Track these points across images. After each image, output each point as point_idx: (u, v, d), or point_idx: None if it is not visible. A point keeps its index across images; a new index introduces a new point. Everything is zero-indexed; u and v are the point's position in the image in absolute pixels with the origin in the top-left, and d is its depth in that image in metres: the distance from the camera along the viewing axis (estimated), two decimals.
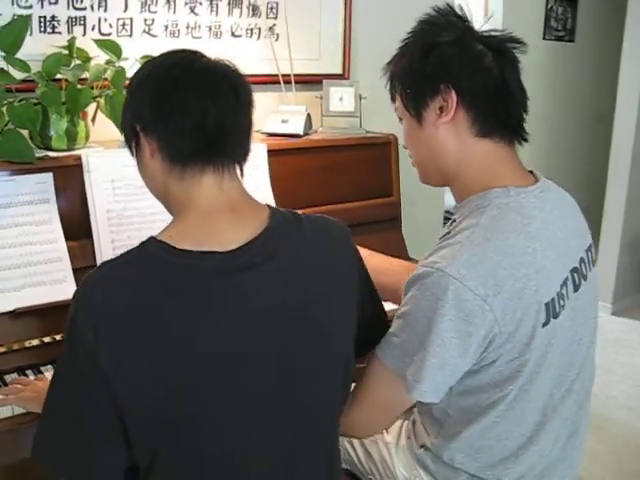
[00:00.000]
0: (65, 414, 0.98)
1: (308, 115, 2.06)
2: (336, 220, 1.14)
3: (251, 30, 2.07)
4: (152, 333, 0.93)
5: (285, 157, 1.90)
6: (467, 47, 1.13)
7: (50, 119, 1.57)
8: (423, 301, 1.06)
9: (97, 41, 1.66)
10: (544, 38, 4.29)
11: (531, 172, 1.22)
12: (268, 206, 1.08)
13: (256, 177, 1.80)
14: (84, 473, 1.00)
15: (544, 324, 1.10)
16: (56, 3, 1.72)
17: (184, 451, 0.96)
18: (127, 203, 1.60)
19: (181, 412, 0.95)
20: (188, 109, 1.00)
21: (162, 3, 1.89)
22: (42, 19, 1.71)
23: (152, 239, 1.00)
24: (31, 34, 1.71)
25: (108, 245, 1.57)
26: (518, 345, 1.08)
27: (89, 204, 1.56)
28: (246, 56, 2.03)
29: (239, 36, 2.04)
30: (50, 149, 1.60)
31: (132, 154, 1.09)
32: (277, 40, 2.13)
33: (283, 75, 2.13)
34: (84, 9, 1.76)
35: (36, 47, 1.68)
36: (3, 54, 1.53)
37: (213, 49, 1.88)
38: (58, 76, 1.58)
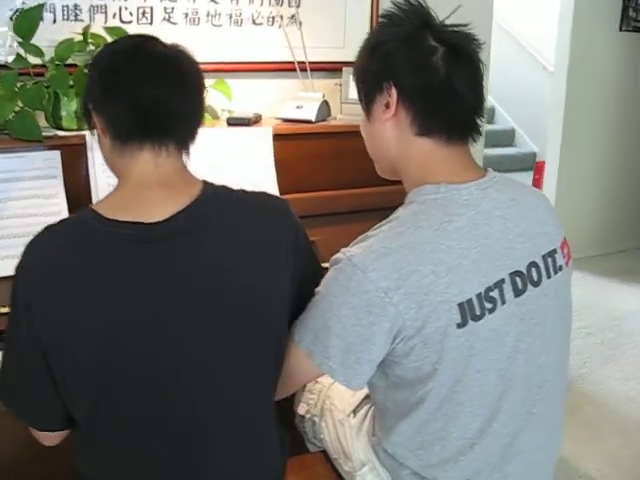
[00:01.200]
0: (14, 365, 1.09)
1: (325, 102, 2.09)
2: (275, 196, 1.18)
3: (272, 18, 2.13)
4: (76, 296, 1.01)
5: (295, 142, 1.94)
6: (415, 44, 1.12)
7: (61, 101, 1.69)
8: (331, 285, 1.10)
9: (106, 28, 1.76)
10: (621, 29, 4.09)
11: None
12: (204, 182, 1.12)
13: (260, 159, 1.86)
14: (33, 417, 1.13)
15: (459, 325, 1.07)
16: None
17: (119, 400, 1.04)
18: None
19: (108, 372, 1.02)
20: (125, 91, 1.07)
21: None
22: (65, 7, 1.84)
23: (88, 208, 1.07)
24: (55, 22, 1.84)
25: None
26: (430, 342, 1.07)
27: (91, 180, 1.67)
28: (267, 44, 2.08)
29: (260, 24, 2.09)
30: (62, 129, 1.72)
31: (90, 131, 1.17)
32: (300, 28, 2.17)
33: (304, 62, 2.18)
34: None
35: (59, 34, 1.80)
36: (20, 40, 1.66)
37: (233, 37, 1.98)
38: (70, 61, 1.70)
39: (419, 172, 1.16)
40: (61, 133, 1.70)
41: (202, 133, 1.78)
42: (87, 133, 1.68)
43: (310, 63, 2.17)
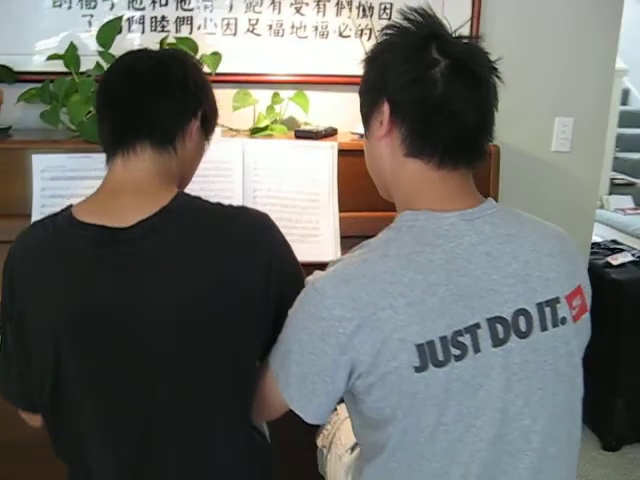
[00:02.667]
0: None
1: None
2: (253, 214, 1.13)
3: (361, 31, 2.07)
4: (40, 284, 1.07)
5: (361, 158, 1.87)
6: (415, 56, 1.01)
7: None
8: (295, 308, 1.03)
9: (177, 38, 1.82)
10: None
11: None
12: (178, 191, 1.11)
13: (321, 173, 1.81)
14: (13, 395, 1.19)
15: (418, 368, 0.95)
16: (166, 5, 1.93)
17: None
18: None
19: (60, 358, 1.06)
20: (106, 104, 1.15)
21: (267, 4, 1.99)
22: (153, 19, 1.93)
23: (69, 207, 1.11)
24: (143, 32, 1.94)
25: None
26: (388, 383, 0.96)
27: None
28: (353, 57, 2.03)
29: (347, 37, 2.05)
30: None
31: None
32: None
33: None
34: (191, 10, 1.94)
35: (145, 44, 1.89)
36: (101, 49, 1.77)
37: (318, 49, 1.96)
38: None
39: (407, 196, 1.07)
40: None
41: (265, 144, 1.80)
42: None
43: None
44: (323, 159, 1.82)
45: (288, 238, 1.39)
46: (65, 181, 1.73)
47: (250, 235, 1.10)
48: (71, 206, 1.11)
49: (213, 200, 1.67)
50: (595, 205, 2.42)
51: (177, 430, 1.08)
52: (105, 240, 1.04)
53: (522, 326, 0.99)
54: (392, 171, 1.08)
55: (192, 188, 1.72)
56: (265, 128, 1.93)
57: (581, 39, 2.23)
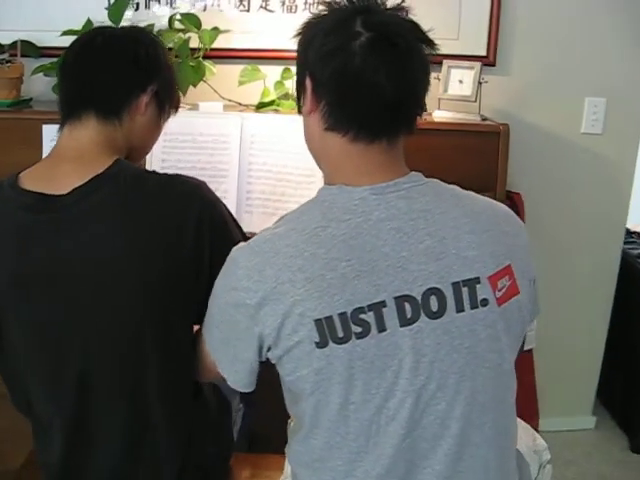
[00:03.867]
0: None
1: None
2: (188, 180, 1.16)
3: None
4: None
5: None
6: (338, 29, 0.99)
7: None
8: (220, 274, 1.04)
9: (181, 15, 1.86)
10: None
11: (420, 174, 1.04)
12: (117, 159, 1.15)
13: None
14: None
15: (318, 344, 0.94)
16: None
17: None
18: (181, 156, 1.79)
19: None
20: (62, 76, 1.21)
21: None
22: None
23: (15, 174, 1.17)
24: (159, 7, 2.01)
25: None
26: (294, 358, 0.97)
27: (148, 155, 1.79)
28: None
29: None
30: None
31: None
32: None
33: None
34: None
35: (159, 20, 1.96)
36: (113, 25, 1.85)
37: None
38: None
39: (329, 171, 1.06)
40: None
41: (264, 119, 1.82)
42: None
43: None
44: None
45: (280, 212, 1.41)
46: None
47: (179, 199, 1.13)
48: (17, 173, 1.17)
49: (209, 173, 1.77)
50: (630, 191, 2.29)
51: (112, 384, 1.13)
52: (41, 207, 1.10)
53: (433, 306, 0.96)
54: (318, 146, 1.07)
55: (190, 160, 1.80)
56: (271, 103, 1.95)
57: (613, 14, 2.10)
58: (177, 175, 1.18)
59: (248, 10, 2.02)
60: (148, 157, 1.79)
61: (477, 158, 1.89)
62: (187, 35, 1.85)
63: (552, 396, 2.38)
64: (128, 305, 1.09)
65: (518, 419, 1.51)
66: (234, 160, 1.79)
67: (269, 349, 0.99)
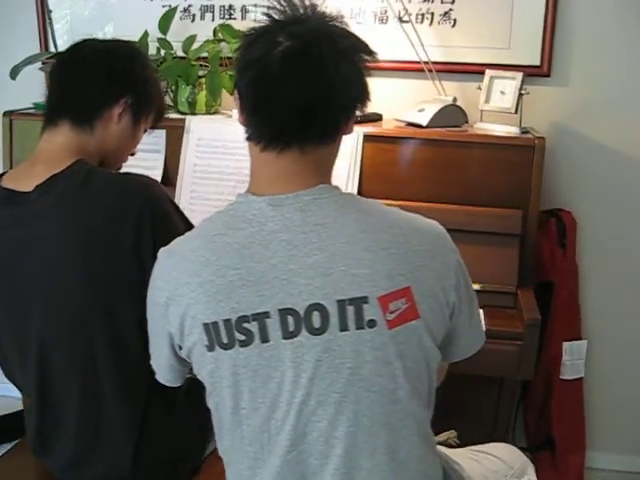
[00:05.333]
0: None
1: (452, 107, 1.90)
2: (140, 177, 1.24)
3: (422, 15, 2.01)
4: None
5: (393, 145, 1.84)
6: (260, 41, 1.00)
7: (179, 89, 1.96)
8: None
9: (220, 25, 1.95)
10: None
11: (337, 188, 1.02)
12: (78, 159, 1.25)
13: (343, 158, 1.82)
14: None
15: (208, 348, 0.98)
16: None
17: None
18: (212, 160, 1.88)
19: None
20: (49, 85, 1.34)
21: None
22: (222, 8, 2.10)
23: (5, 172, 1.33)
24: (213, 20, 2.11)
25: (187, 194, 1.88)
26: (193, 358, 1.02)
27: (181, 158, 1.90)
28: (415, 43, 1.98)
29: (407, 22, 2.00)
30: (179, 112, 2.00)
31: None
32: (454, 26, 2.01)
33: (458, 64, 2.02)
34: None
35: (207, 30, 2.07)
36: (161, 36, 1.98)
37: (379, 34, 1.98)
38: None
39: (250, 179, 1.06)
40: (174, 116, 1.97)
41: None
42: (187, 117, 1.93)
43: (459, 65, 2.01)
44: (345, 143, 1.81)
45: None
46: None
47: (122, 196, 1.21)
48: (5, 172, 1.33)
49: (236, 178, 1.84)
50: None
51: (66, 363, 1.25)
52: (9, 202, 1.23)
53: (315, 322, 0.95)
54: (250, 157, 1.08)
55: (219, 165, 1.88)
56: None
57: None
58: (127, 173, 1.28)
59: None
60: (181, 160, 1.92)
61: (511, 173, 1.80)
62: (221, 45, 1.93)
63: (601, 430, 2.21)
64: (78, 292, 1.20)
65: (501, 444, 1.45)
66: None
67: (180, 348, 1.04)
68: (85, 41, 1.37)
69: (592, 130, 2.01)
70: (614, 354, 2.14)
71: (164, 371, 1.12)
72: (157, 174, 1.93)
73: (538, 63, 1.98)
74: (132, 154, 1.46)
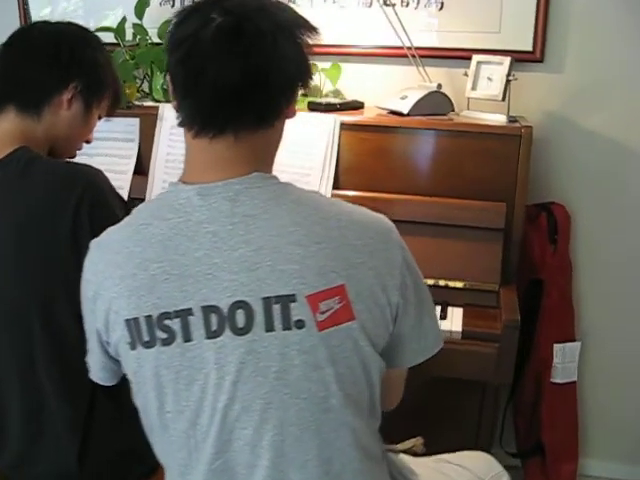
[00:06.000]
0: None
1: (435, 94, 1.80)
2: (85, 167, 1.19)
3: None
4: None
5: (370, 135, 1.75)
6: (193, 16, 0.91)
7: (154, 76, 1.88)
8: None
9: None
10: None
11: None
12: (21, 146, 1.19)
13: (318, 147, 1.73)
14: None
15: (130, 345, 0.91)
16: None
17: None
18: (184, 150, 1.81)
19: None
20: None
21: None
22: None
23: None
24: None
25: (159, 184, 1.81)
26: (119, 355, 0.96)
27: (154, 147, 1.83)
28: (399, 27, 1.88)
29: (392, 5, 1.90)
30: (154, 100, 1.92)
31: None
32: (441, 9, 1.90)
33: (445, 49, 1.92)
34: None
35: None
36: (137, 22, 1.92)
37: (363, 19, 1.88)
38: None
39: (184, 168, 0.99)
40: (148, 103, 1.90)
41: None
42: (161, 105, 1.85)
43: (446, 50, 1.91)
44: (321, 132, 1.74)
45: None
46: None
47: (59, 185, 1.16)
48: None
49: None
50: None
51: (7, 358, 1.20)
52: None
53: (240, 321, 0.87)
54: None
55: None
56: None
57: None
58: (70, 162, 1.22)
59: None
60: (154, 149, 1.84)
61: (496, 164, 1.70)
62: None
63: (595, 436, 2.10)
64: (12, 284, 1.15)
65: (476, 453, 1.36)
66: None
67: (108, 344, 0.97)
68: (35, 24, 1.31)
69: (588, 119, 1.90)
70: (610, 357, 2.03)
71: (96, 368, 1.05)
72: (130, 163, 1.87)
73: (530, 48, 1.87)
74: (87, 142, 1.40)
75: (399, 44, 1.86)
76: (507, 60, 1.74)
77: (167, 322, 0.89)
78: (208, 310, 0.88)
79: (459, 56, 1.89)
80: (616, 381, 2.05)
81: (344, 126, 1.75)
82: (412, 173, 1.74)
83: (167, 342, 0.89)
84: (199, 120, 0.92)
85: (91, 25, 2.11)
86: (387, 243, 0.94)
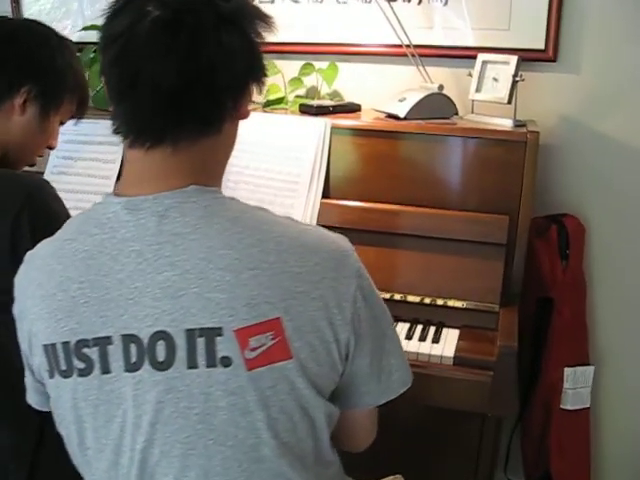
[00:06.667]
0: None
1: (436, 95, 1.67)
2: (17, 178, 1.11)
3: None
4: None
5: (363, 139, 1.63)
6: (128, 8, 0.81)
7: None
8: None
9: None
10: None
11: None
12: None
13: (308, 152, 1.61)
14: None
15: (49, 373, 0.83)
16: None
17: None
18: None
19: None
20: None
21: None
22: None
23: None
24: None
25: None
26: (41, 382, 0.88)
27: None
28: (404, 23, 1.75)
29: (394, 0, 1.77)
30: None
31: None
32: (446, 5, 1.77)
33: (450, 47, 1.78)
34: None
35: None
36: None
37: (364, 14, 1.77)
38: None
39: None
40: None
41: (262, 118, 1.68)
42: None
43: (451, 49, 1.77)
44: (311, 137, 1.62)
45: None
46: (77, 145, 1.83)
47: (8, 193, 1.10)
48: None
49: None
50: None
51: None
52: None
53: (160, 354, 0.77)
54: None
55: None
56: (279, 101, 1.79)
57: None
58: (16, 172, 1.16)
59: (272, 2, 1.88)
60: None
61: (500, 172, 1.56)
62: None
63: (609, 467, 1.94)
64: None
65: None
66: None
67: (32, 367, 0.89)
68: None
69: (604, 124, 1.74)
70: (628, 382, 1.86)
71: (31, 392, 0.95)
72: (112, 167, 1.78)
73: (542, 47, 1.72)
74: (50, 147, 1.31)
75: (399, 42, 1.73)
76: (514, 59, 1.59)
77: (85, 350, 0.79)
78: (128, 339, 0.78)
79: (465, 55, 1.75)
80: (634, 408, 1.88)
81: (336, 130, 1.63)
82: (407, 182, 1.61)
83: (84, 373, 0.80)
84: (134, 128, 0.82)
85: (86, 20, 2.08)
86: (338, 270, 0.82)
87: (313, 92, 1.89)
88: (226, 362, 0.76)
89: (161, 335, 0.77)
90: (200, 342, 0.76)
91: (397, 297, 1.53)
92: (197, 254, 0.78)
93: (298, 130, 1.63)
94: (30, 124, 1.20)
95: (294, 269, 0.79)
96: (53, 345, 0.81)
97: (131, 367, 0.78)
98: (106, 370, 0.79)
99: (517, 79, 1.59)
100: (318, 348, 0.79)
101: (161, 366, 0.77)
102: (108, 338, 0.78)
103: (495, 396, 1.36)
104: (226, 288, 0.77)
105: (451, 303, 1.52)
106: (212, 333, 0.76)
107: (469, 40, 1.77)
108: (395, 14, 1.67)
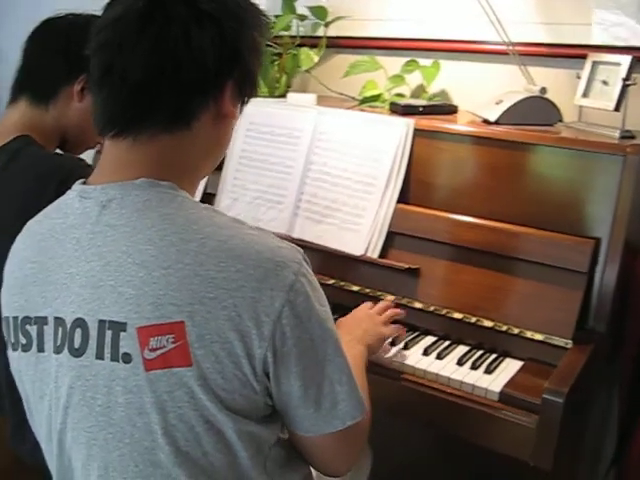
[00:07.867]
0: None
1: (541, 100, 1.49)
2: (51, 164, 1.19)
3: None
4: None
5: (447, 144, 1.50)
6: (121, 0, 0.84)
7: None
8: None
9: (309, 7, 1.81)
10: None
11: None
12: (20, 136, 1.23)
13: (387, 154, 1.53)
14: None
15: (13, 345, 0.87)
16: None
17: None
18: (257, 147, 1.73)
19: None
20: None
21: None
22: None
23: None
24: None
25: (230, 181, 1.76)
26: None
27: (232, 142, 1.77)
28: (500, 20, 1.60)
29: None
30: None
31: None
32: None
33: (559, 45, 1.59)
34: None
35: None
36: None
37: (453, 9, 1.68)
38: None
39: None
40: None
41: (337, 115, 1.66)
42: None
43: (560, 47, 1.58)
44: (391, 138, 1.54)
45: (327, 220, 1.51)
46: None
47: (35, 181, 1.17)
48: None
49: (277, 168, 1.67)
50: None
51: None
52: None
53: (76, 341, 0.80)
54: None
55: (264, 152, 1.72)
56: (375, 98, 1.72)
57: None
58: (56, 154, 1.23)
59: None
60: (231, 144, 1.78)
61: (591, 190, 1.36)
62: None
63: None
64: None
65: None
66: (300, 157, 1.65)
67: None
68: (57, 16, 1.32)
69: None
70: None
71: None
72: None
73: None
74: None
75: (499, 39, 1.57)
76: (626, 60, 1.37)
77: (27, 327, 0.84)
78: (57, 322, 0.82)
79: (575, 55, 1.54)
80: None
81: (418, 132, 1.53)
82: (486, 192, 1.46)
83: (25, 349, 0.85)
84: (105, 118, 0.85)
85: None
86: (263, 281, 0.77)
87: (419, 91, 1.80)
88: (126, 359, 0.77)
89: (79, 322, 0.80)
90: (108, 335, 0.78)
91: (457, 316, 1.40)
92: (121, 247, 0.79)
93: (379, 130, 1.56)
94: (87, 110, 1.27)
95: (210, 273, 0.76)
96: (6, 318, 0.88)
97: (57, 349, 0.82)
98: (41, 349, 0.83)
99: (629, 83, 1.37)
100: (224, 360, 0.76)
101: (77, 352, 0.80)
102: (45, 318, 0.83)
103: (539, 444, 1.20)
104: (137, 284, 0.77)
105: (517, 331, 1.36)
106: (118, 327, 0.77)
107: (581, 38, 1.56)
108: (491, 6, 1.52)
